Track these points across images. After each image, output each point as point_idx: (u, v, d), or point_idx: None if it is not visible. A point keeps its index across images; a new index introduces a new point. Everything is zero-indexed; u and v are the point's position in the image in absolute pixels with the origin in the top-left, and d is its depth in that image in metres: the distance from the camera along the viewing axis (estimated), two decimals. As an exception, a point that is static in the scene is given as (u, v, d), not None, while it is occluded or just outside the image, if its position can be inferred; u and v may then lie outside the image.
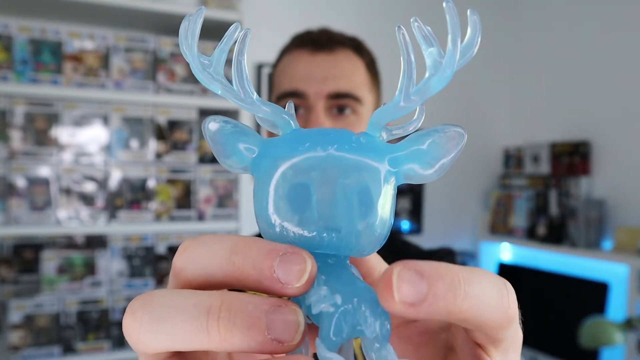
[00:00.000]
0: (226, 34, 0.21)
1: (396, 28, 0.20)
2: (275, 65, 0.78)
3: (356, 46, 0.75)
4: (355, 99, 0.71)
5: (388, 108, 0.21)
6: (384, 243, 0.21)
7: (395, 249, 0.81)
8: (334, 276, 0.20)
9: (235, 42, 0.21)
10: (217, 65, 0.21)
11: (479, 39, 0.21)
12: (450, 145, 0.20)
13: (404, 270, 0.18)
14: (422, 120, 0.23)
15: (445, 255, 0.78)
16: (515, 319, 0.21)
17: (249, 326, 0.17)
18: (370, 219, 0.20)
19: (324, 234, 0.20)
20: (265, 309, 0.17)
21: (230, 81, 0.21)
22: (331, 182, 0.20)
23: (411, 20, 0.20)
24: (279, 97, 0.73)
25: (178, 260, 0.20)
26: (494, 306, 0.19)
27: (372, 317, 0.19)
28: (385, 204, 0.20)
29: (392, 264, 0.19)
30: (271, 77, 0.79)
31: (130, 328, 0.19)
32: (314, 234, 0.20)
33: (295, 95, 0.70)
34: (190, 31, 0.21)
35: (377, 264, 0.25)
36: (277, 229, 0.20)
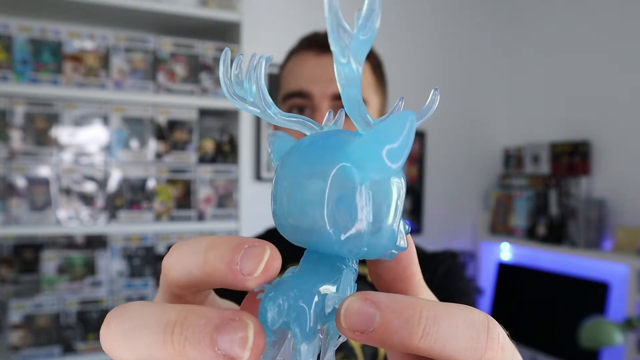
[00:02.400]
0: (250, 65, 0.23)
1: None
2: (282, 66, 0.80)
3: None
4: None
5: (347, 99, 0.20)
6: (366, 247, 0.20)
7: None
8: (302, 270, 0.21)
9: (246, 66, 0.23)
10: (251, 93, 0.23)
11: (378, 11, 0.19)
12: (399, 131, 0.19)
13: (355, 299, 0.19)
14: (434, 107, 0.22)
15: (447, 258, 0.78)
16: None
17: (199, 341, 0.17)
18: (333, 219, 0.20)
19: (298, 231, 0.21)
20: (216, 323, 0.17)
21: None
22: (296, 178, 0.21)
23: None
24: (285, 97, 0.75)
25: (165, 261, 0.22)
26: (464, 349, 0.19)
27: (279, 310, 0.20)
28: (343, 204, 0.20)
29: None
30: (278, 78, 0.80)
31: (105, 339, 0.20)
32: (292, 229, 0.21)
33: (300, 95, 0.72)
34: (224, 68, 0.23)
35: (408, 268, 0.24)
36: (277, 222, 0.22)
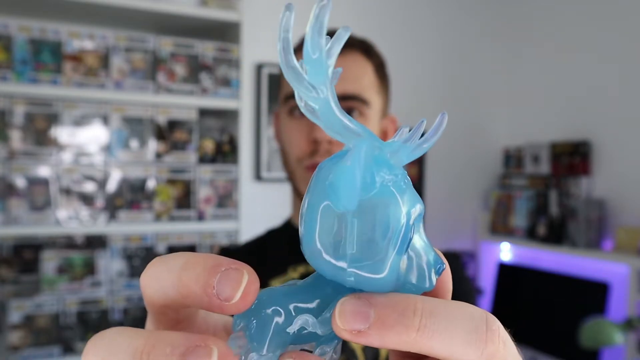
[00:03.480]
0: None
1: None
2: None
3: (365, 49, 0.76)
4: (363, 101, 0.72)
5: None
6: (353, 277, 0.20)
7: None
8: (295, 285, 0.21)
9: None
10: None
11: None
12: (357, 161, 0.19)
13: (350, 298, 0.19)
14: (440, 130, 0.21)
15: (448, 259, 0.78)
16: (497, 356, 0.19)
17: None
18: (319, 247, 0.20)
19: (308, 255, 0.21)
20: (182, 351, 0.18)
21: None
22: (303, 207, 0.21)
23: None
24: (287, 97, 0.74)
25: (141, 279, 0.21)
26: (464, 343, 0.19)
27: (243, 313, 0.20)
28: (323, 234, 0.20)
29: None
30: (279, 78, 0.80)
31: None
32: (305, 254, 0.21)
33: None
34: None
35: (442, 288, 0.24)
36: None
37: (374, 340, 0.18)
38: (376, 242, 0.19)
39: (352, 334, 0.18)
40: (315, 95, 0.20)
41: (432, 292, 0.23)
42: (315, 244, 0.20)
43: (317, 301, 0.20)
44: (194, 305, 0.20)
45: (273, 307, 0.20)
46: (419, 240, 0.21)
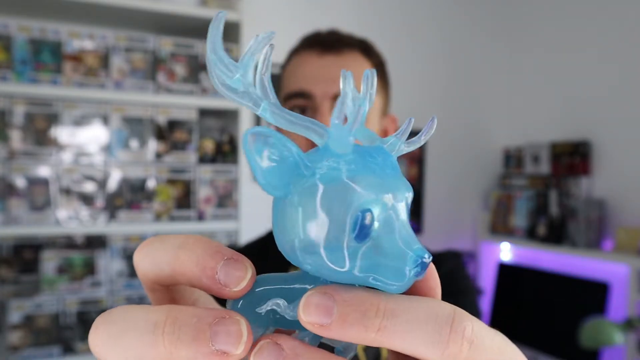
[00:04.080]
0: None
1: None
2: (283, 66, 0.79)
3: (365, 48, 0.76)
4: None
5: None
6: (309, 265, 0.20)
7: None
8: (286, 274, 0.22)
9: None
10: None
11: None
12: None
13: (315, 292, 0.19)
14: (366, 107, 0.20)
15: (449, 258, 0.78)
16: (460, 357, 0.19)
17: (194, 339, 0.18)
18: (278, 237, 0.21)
19: None
20: (209, 321, 0.18)
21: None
22: None
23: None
24: (286, 98, 0.74)
25: (135, 255, 0.22)
26: (425, 343, 0.18)
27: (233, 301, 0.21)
28: (274, 221, 0.21)
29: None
30: (279, 78, 0.79)
31: (93, 343, 0.20)
32: None
33: (301, 95, 0.71)
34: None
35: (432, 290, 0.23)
36: None
37: (335, 335, 0.19)
38: (321, 228, 0.19)
39: (315, 327, 0.18)
40: (254, 106, 0.20)
41: (416, 293, 0.21)
42: (277, 233, 0.20)
43: (295, 288, 0.21)
44: (187, 283, 0.20)
45: (255, 290, 0.21)
46: (395, 231, 0.19)
